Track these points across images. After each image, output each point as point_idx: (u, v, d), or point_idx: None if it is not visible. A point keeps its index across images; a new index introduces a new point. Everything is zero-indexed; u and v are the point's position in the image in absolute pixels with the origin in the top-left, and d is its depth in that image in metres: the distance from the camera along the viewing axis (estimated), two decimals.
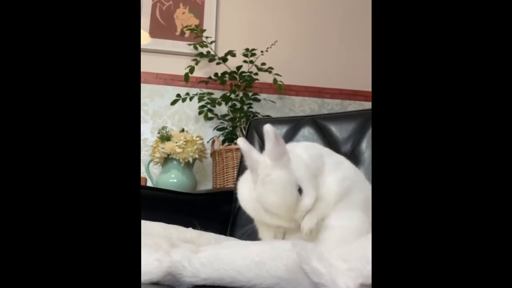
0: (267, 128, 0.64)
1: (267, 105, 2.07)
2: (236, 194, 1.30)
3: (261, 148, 1.43)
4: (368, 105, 2.20)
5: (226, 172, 1.63)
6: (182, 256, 0.49)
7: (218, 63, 1.93)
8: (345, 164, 0.75)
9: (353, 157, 1.28)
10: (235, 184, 1.38)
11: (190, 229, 0.87)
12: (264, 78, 1.99)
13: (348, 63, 2.23)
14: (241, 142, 0.66)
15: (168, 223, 0.87)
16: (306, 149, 0.72)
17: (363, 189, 0.73)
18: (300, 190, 0.64)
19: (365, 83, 2.20)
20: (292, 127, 1.40)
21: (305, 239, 0.69)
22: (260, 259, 0.44)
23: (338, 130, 1.36)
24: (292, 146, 0.72)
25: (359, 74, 2.21)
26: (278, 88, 1.92)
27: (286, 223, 0.65)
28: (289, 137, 1.38)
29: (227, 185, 1.62)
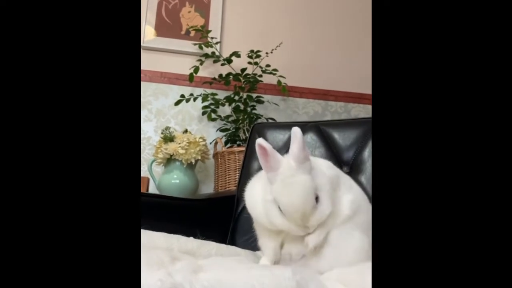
0: (296, 131, 0.64)
1: (270, 106, 2.07)
2: (242, 197, 1.33)
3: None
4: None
5: (228, 175, 1.64)
6: (183, 278, 0.50)
7: (222, 64, 1.93)
8: (355, 187, 0.76)
9: (355, 165, 1.28)
10: (238, 188, 1.40)
11: (191, 238, 0.88)
12: (268, 79, 1.99)
13: (353, 65, 2.22)
14: (263, 141, 0.65)
15: (169, 230, 0.88)
16: (326, 164, 0.74)
17: (367, 211, 0.73)
18: (317, 199, 0.64)
19: (370, 86, 2.19)
20: None
21: (307, 252, 0.70)
22: (261, 286, 0.45)
23: (341, 138, 1.36)
24: (311, 158, 0.72)
25: (364, 77, 2.20)
26: (282, 90, 1.92)
27: (296, 228, 0.65)
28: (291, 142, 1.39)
29: (228, 187, 1.63)
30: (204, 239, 0.93)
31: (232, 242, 1.25)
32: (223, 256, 0.87)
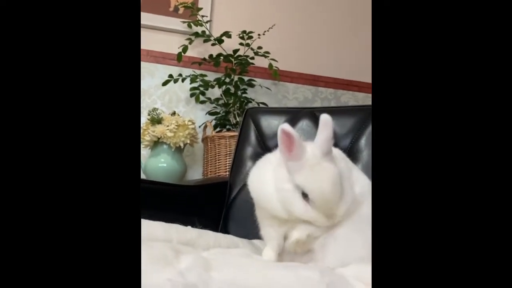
0: (327, 118, 0.62)
1: (260, 90, 2.01)
2: (235, 184, 1.30)
3: (257, 138, 1.40)
4: (361, 96, 2.19)
5: (218, 160, 1.59)
6: (198, 278, 0.46)
7: (213, 44, 1.85)
8: (362, 178, 0.73)
9: (351, 154, 1.26)
10: (230, 174, 1.36)
11: (189, 228, 0.84)
12: (259, 62, 1.93)
13: (344, 52, 2.19)
14: (289, 128, 0.61)
15: (162, 218, 0.83)
16: (337, 152, 0.71)
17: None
18: None
19: (360, 73, 2.17)
20: (290, 119, 1.37)
21: (290, 247, 0.67)
22: None
23: (337, 125, 1.34)
24: None
25: (354, 64, 2.18)
26: (274, 74, 1.87)
27: (322, 218, 0.62)
28: None
29: (218, 173, 1.59)
30: (201, 228, 0.90)
31: (225, 230, 1.22)
32: (222, 247, 0.84)
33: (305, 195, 0.62)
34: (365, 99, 2.14)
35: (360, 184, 0.71)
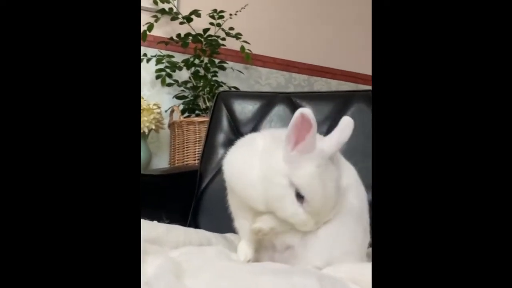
0: (350, 121, 0.58)
1: (231, 74, 1.91)
2: (206, 173, 1.20)
3: (230, 124, 1.31)
4: (334, 83, 2.14)
5: (187, 147, 1.48)
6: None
7: (181, 23, 1.72)
8: (347, 168, 0.66)
9: None
10: (201, 162, 1.26)
11: (155, 223, 0.74)
12: (231, 44, 1.82)
13: (319, 38, 2.12)
14: (310, 113, 0.52)
15: None
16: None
17: (358, 194, 0.64)
18: None
19: (334, 60, 2.12)
20: (265, 104, 1.28)
21: (294, 243, 0.60)
22: None
23: (314, 111, 1.25)
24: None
25: (329, 51, 2.12)
26: (246, 58, 1.77)
27: (310, 222, 0.56)
28: (261, 115, 1.26)
29: (186, 161, 1.48)
30: (168, 223, 0.80)
31: (195, 224, 1.12)
32: (194, 244, 0.75)
33: (299, 196, 0.54)
34: (338, 86, 2.10)
35: (346, 175, 0.65)
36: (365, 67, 2.09)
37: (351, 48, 2.15)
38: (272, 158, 0.57)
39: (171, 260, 0.48)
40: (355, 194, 0.63)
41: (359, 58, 2.10)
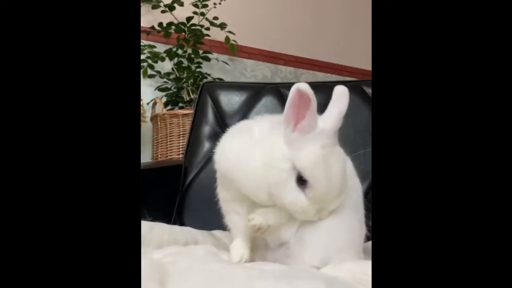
0: (343, 90, 0.53)
1: (216, 66, 1.84)
2: (191, 167, 1.14)
3: (216, 116, 1.25)
4: (321, 75, 2.10)
5: (170, 141, 1.42)
6: None
7: (163, 11, 1.64)
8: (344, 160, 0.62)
9: None
10: (185, 156, 1.20)
11: None
12: (215, 35, 1.75)
13: (306, 29, 2.08)
14: (307, 87, 0.49)
15: None
16: None
17: (354, 184, 0.60)
18: None
19: (320, 52, 2.08)
20: (252, 95, 1.23)
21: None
22: None
23: None
24: None
25: (315, 42, 2.08)
26: (230, 49, 1.71)
27: (312, 212, 0.52)
28: (248, 106, 1.21)
29: (170, 156, 1.41)
30: (151, 221, 0.74)
31: (179, 221, 1.06)
32: (179, 244, 0.69)
33: (301, 181, 0.50)
34: (325, 78, 2.06)
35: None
36: (352, 60, 2.06)
37: (337, 40, 2.11)
38: (272, 142, 0.52)
39: (155, 263, 0.42)
40: (351, 184, 0.59)
41: (345, 51, 2.07)
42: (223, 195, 0.62)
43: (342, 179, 0.51)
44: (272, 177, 0.50)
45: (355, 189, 0.60)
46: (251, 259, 0.59)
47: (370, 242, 0.61)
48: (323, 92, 1.28)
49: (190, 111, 1.41)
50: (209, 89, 1.25)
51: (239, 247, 0.58)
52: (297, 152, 0.49)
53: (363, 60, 2.02)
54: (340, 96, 0.53)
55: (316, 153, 0.48)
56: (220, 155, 0.57)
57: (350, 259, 0.54)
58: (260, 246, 0.57)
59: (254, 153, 0.51)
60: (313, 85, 1.37)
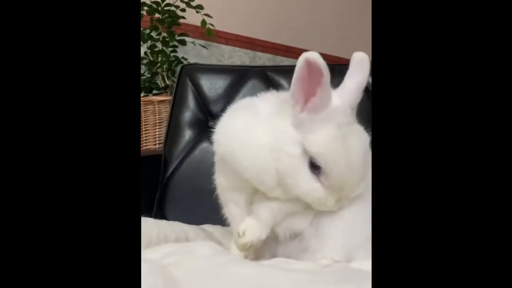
0: (363, 57, 0.46)
1: (192, 51, 1.73)
2: (171, 158, 1.04)
3: (197, 101, 1.15)
4: None
5: (146, 130, 1.30)
6: None
7: None
8: None
9: None
10: (165, 146, 1.09)
11: None
12: (191, 19, 1.64)
13: (284, 14, 2.00)
14: (318, 58, 0.41)
15: None
16: None
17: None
18: None
19: (299, 39, 2.02)
20: (237, 79, 1.15)
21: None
22: None
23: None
24: None
25: (294, 29, 2.02)
26: (207, 33, 1.60)
27: (330, 200, 0.46)
28: (233, 91, 1.13)
29: (146, 146, 1.30)
30: None
31: (160, 215, 0.96)
32: (169, 240, 0.60)
33: (315, 167, 0.44)
34: None
35: None
36: (332, 48, 2.01)
37: (317, 28, 2.06)
38: (278, 124, 0.45)
39: (155, 267, 0.33)
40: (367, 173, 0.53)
41: (325, 38, 2.02)
42: (221, 181, 0.54)
43: (363, 162, 0.45)
44: (281, 164, 0.43)
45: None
46: (260, 255, 0.51)
47: None
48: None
49: (166, 97, 1.30)
50: (189, 72, 1.15)
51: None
52: (308, 135, 0.43)
53: (343, 48, 1.98)
54: (359, 65, 0.46)
55: (330, 136, 0.42)
56: (221, 136, 0.50)
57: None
58: (269, 239, 0.50)
59: (260, 133, 0.45)
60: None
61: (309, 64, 0.41)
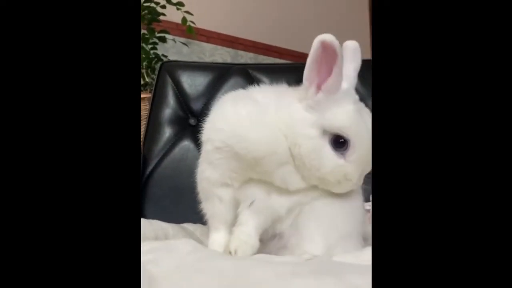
0: (356, 45, 0.50)
1: (172, 49, 1.71)
2: (151, 156, 1.01)
3: (178, 98, 1.13)
4: (282, 63, 2.04)
5: None
6: None
7: None
8: None
9: None
10: (144, 144, 1.07)
11: None
12: (171, 16, 1.62)
13: (267, 13, 2.00)
14: (333, 40, 0.43)
15: None
16: None
17: None
18: None
19: (280, 38, 2.02)
20: (218, 76, 1.13)
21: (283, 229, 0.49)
22: None
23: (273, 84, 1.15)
24: None
25: (276, 28, 2.02)
26: (188, 31, 1.59)
27: (356, 178, 0.47)
28: (214, 88, 1.11)
29: None
30: None
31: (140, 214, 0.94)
32: (149, 238, 0.59)
33: (339, 144, 0.45)
34: None
35: None
36: None
37: (299, 27, 2.07)
38: (290, 110, 0.46)
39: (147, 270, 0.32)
40: None
41: (307, 37, 2.02)
42: (209, 174, 0.52)
43: (370, 133, 0.48)
44: (302, 148, 0.44)
45: None
46: None
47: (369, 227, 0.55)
48: (299, 73, 1.21)
49: (146, 95, 1.27)
50: (170, 69, 1.13)
51: (221, 244, 0.51)
52: (326, 114, 0.44)
53: None
54: (354, 52, 0.49)
55: (351, 110, 0.44)
56: (223, 123, 0.48)
57: (354, 247, 0.48)
58: None
59: (268, 120, 0.45)
60: (287, 66, 1.28)
61: (325, 46, 0.43)
